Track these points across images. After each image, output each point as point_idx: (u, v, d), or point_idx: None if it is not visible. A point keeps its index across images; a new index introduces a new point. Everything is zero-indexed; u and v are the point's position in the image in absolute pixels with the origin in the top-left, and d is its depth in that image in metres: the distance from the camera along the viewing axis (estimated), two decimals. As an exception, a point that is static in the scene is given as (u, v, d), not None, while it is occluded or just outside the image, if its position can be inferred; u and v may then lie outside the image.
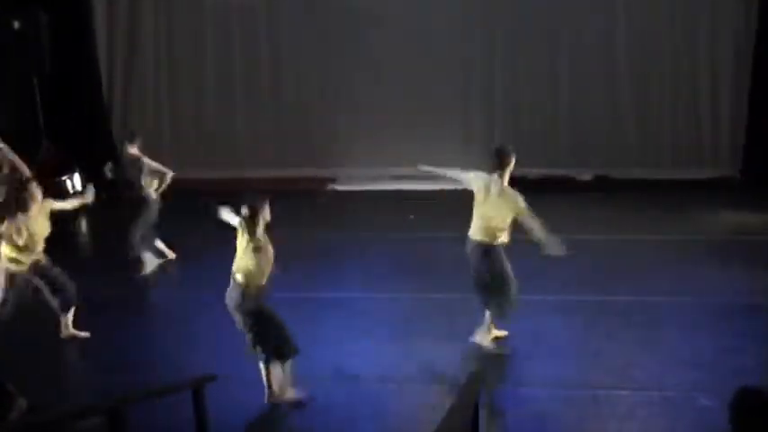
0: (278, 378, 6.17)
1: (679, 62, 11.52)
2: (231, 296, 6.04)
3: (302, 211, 9.98)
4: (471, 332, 7.34)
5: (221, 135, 12.22)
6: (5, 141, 8.19)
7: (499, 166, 6.84)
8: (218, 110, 12.24)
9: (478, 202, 6.83)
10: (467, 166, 11.76)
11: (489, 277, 6.81)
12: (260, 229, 5.98)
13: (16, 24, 10.65)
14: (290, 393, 6.27)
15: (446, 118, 11.89)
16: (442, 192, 11.50)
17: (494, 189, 6.76)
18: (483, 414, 4.50)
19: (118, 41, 12.11)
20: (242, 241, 5.97)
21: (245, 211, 5.95)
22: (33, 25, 10.72)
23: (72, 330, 7.44)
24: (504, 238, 6.83)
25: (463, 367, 6.19)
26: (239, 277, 6.00)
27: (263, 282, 6.04)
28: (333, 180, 11.80)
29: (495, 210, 6.73)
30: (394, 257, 8.84)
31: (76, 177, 11.56)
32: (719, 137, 11.60)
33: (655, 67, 11.53)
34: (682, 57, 11.51)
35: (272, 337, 6.07)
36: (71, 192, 11.51)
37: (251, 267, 5.96)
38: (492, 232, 6.77)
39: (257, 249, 5.92)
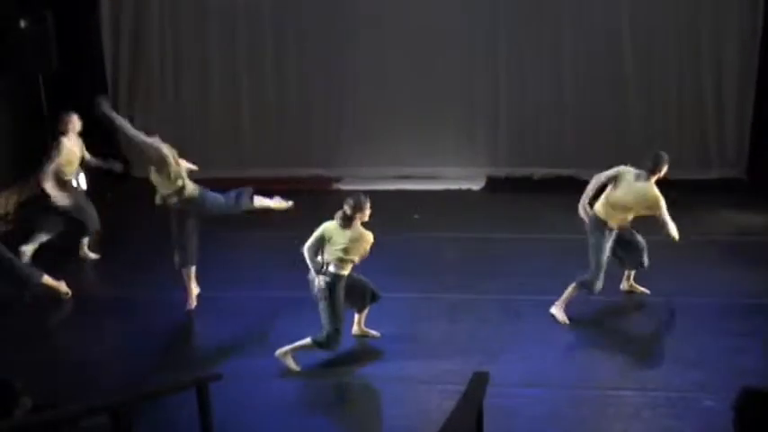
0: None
1: (684, 62, 11.48)
2: (318, 283, 6.66)
3: (306, 210, 9.97)
4: (473, 332, 7.35)
5: (226, 134, 12.22)
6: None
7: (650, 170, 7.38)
8: (223, 109, 12.24)
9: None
10: (471, 165, 11.88)
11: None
12: (357, 225, 6.65)
13: (22, 23, 10.67)
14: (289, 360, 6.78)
15: (451, 118, 11.88)
16: (445, 192, 11.52)
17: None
18: (487, 414, 4.49)
19: (123, 41, 12.11)
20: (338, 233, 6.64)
21: (347, 207, 6.62)
22: (39, 24, 10.74)
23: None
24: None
25: (467, 367, 6.18)
26: (331, 267, 6.64)
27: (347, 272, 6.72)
28: (337, 180, 11.80)
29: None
30: (395, 257, 8.83)
31: (82, 176, 11.56)
32: (725, 137, 11.56)
33: (660, 67, 11.49)
34: (687, 56, 11.46)
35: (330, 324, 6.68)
36: (76, 189, 11.52)
37: (342, 257, 6.62)
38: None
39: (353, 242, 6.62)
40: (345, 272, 6.71)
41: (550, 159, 11.73)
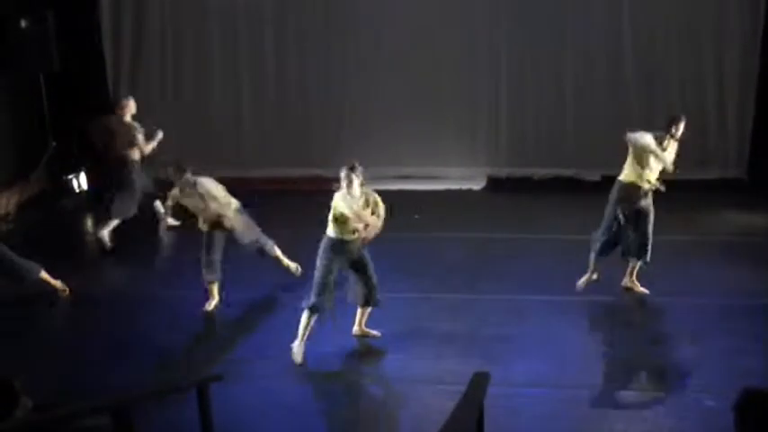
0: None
1: (685, 62, 11.47)
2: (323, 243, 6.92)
3: (306, 211, 9.99)
4: (474, 332, 7.35)
5: (227, 135, 12.22)
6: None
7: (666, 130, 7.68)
8: (224, 110, 12.24)
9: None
10: (472, 165, 11.88)
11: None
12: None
13: (24, 23, 10.67)
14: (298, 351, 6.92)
15: (451, 118, 11.87)
16: (446, 192, 11.52)
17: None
18: (488, 415, 4.49)
19: (124, 41, 12.11)
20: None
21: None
22: (40, 23, 10.74)
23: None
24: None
25: (468, 367, 6.18)
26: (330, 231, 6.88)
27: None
28: (338, 180, 11.77)
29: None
30: (396, 257, 8.84)
31: (82, 176, 11.59)
32: (726, 137, 11.56)
33: (661, 68, 11.49)
34: (688, 57, 11.46)
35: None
36: (77, 191, 11.54)
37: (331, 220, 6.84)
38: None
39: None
40: (343, 236, 6.84)
41: (551, 160, 11.72)
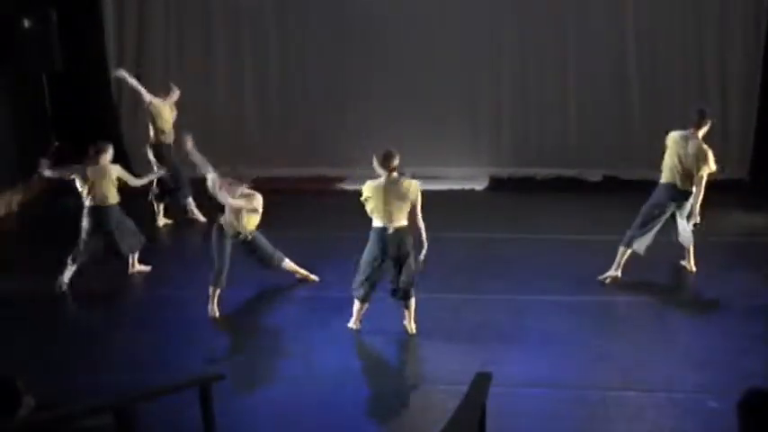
0: None
1: (688, 62, 11.47)
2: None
3: (308, 210, 10.00)
4: (476, 332, 7.35)
5: (230, 135, 12.23)
6: None
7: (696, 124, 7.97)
8: (227, 110, 12.25)
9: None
10: (474, 165, 11.87)
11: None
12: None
13: (26, 22, 10.68)
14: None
15: (454, 118, 11.87)
16: (448, 192, 11.52)
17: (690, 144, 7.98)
18: (490, 415, 4.49)
19: (127, 40, 12.12)
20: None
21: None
22: (43, 23, 10.75)
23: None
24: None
25: (469, 367, 6.18)
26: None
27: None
28: (341, 179, 11.79)
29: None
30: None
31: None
32: (729, 138, 11.54)
33: (664, 68, 11.49)
34: (691, 56, 11.46)
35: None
36: (80, 191, 11.53)
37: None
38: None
39: None
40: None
41: (553, 160, 11.72)
